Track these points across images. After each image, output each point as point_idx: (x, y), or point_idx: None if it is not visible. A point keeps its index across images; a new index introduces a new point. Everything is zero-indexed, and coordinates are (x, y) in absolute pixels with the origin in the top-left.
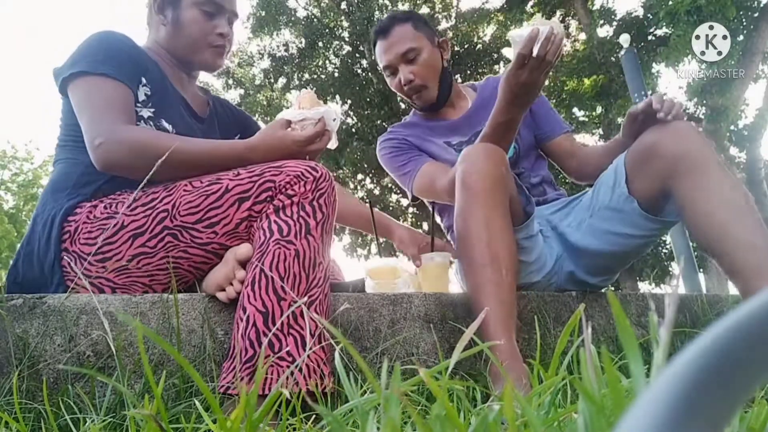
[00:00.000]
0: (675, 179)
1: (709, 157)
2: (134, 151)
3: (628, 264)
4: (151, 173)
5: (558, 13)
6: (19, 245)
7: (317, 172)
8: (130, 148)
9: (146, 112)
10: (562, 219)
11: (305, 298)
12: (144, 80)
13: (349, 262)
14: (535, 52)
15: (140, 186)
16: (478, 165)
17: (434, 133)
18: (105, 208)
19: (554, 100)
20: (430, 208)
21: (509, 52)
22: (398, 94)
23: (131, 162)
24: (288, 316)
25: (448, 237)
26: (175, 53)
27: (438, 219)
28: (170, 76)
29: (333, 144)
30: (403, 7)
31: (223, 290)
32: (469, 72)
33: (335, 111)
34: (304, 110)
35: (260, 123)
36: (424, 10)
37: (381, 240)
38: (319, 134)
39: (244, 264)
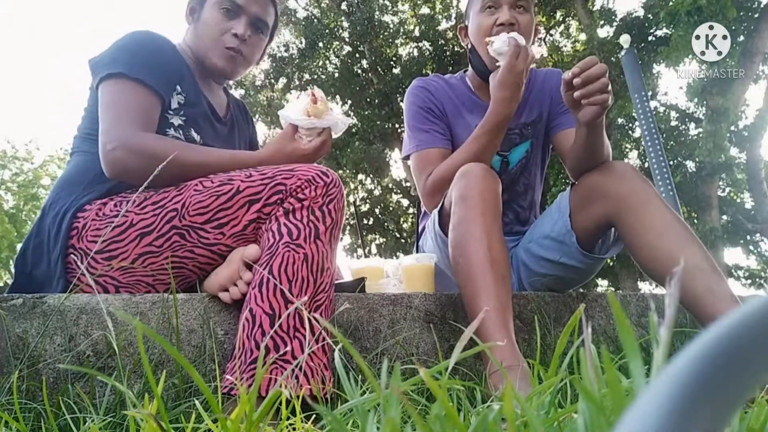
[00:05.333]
0: (620, 216)
1: (651, 194)
2: (143, 159)
3: (570, 288)
4: (149, 180)
5: (558, 13)
6: (27, 235)
7: (328, 177)
8: (139, 155)
9: (177, 120)
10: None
11: (306, 298)
12: (179, 88)
13: (349, 262)
14: (522, 42)
15: (144, 185)
16: (478, 182)
17: (474, 110)
18: (115, 206)
19: None
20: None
21: (498, 57)
22: (469, 41)
23: (139, 168)
24: (294, 320)
25: (421, 242)
26: (197, 54)
27: (421, 223)
28: (198, 78)
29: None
30: (403, 7)
31: (226, 290)
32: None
33: (344, 121)
34: (314, 119)
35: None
36: (425, 10)
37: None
38: (325, 144)
39: (250, 265)
